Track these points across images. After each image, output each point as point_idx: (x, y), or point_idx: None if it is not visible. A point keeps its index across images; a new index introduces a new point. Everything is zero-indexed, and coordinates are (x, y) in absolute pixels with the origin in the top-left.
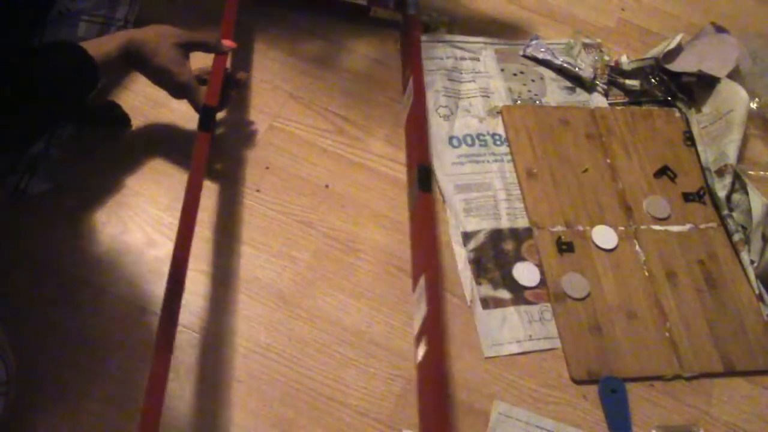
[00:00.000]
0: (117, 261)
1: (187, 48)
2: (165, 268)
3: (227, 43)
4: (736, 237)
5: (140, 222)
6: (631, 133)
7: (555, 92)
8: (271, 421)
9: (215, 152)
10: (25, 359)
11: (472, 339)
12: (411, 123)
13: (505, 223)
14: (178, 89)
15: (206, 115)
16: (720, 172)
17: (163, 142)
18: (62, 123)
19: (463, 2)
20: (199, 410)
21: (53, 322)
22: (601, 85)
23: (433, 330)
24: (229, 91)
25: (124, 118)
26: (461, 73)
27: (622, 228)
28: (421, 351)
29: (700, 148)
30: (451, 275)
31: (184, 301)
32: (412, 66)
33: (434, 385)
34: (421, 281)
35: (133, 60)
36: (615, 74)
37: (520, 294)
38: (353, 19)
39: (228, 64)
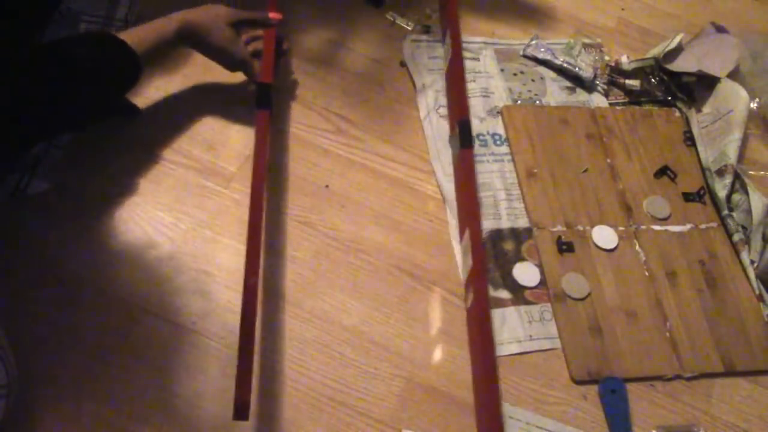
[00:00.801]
0: (117, 261)
1: (238, 25)
2: (165, 268)
3: (273, 15)
4: (736, 237)
5: (140, 222)
6: (631, 133)
7: (555, 92)
8: (271, 421)
9: (215, 153)
10: (25, 359)
11: None
12: (450, 78)
13: (505, 223)
14: (234, 65)
15: (263, 93)
16: (720, 172)
17: (163, 142)
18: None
19: (463, 2)
20: (198, 410)
21: (53, 322)
22: (601, 85)
23: (479, 280)
24: (277, 61)
25: (131, 106)
26: None
27: (622, 228)
28: (470, 298)
29: (700, 148)
30: (451, 275)
31: (182, 301)
32: (448, 19)
33: (481, 325)
34: (466, 235)
35: (188, 41)
36: (615, 74)
37: (520, 294)
38: (358, 16)
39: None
